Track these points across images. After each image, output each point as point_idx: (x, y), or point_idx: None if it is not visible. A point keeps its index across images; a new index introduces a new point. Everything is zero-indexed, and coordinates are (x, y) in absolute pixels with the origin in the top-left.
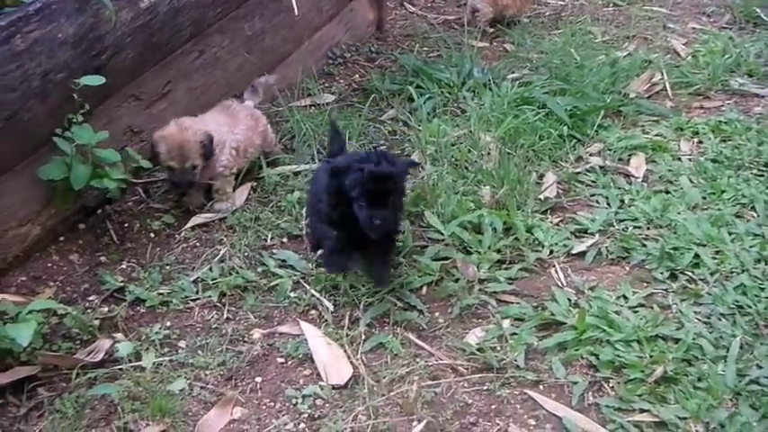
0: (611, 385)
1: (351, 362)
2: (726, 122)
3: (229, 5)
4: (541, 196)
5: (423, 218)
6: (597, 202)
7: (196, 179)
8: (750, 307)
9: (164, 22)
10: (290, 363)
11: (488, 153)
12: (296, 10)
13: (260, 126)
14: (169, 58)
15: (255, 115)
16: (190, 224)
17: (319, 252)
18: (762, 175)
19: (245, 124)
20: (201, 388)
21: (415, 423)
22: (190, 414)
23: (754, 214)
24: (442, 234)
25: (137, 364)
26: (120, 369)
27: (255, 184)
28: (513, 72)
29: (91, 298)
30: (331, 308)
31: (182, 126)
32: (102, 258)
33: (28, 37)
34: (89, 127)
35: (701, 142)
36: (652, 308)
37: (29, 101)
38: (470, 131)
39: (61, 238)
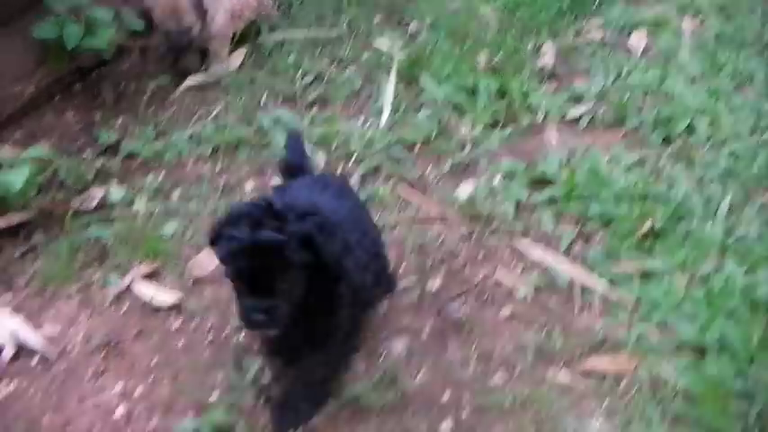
0: (599, 238)
1: None
2: (731, 2)
3: None
4: (538, 64)
5: (418, 81)
6: (595, 72)
7: (193, 39)
8: (742, 172)
9: None
10: None
11: (487, 23)
12: None
13: None
14: None
15: None
16: (185, 85)
17: None
18: (763, 54)
19: None
20: (193, 233)
21: (403, 264)
22: (181, 256)
23: (753, 89)
24: (436, 96)
25: (129, 210)
26: (113, 215)
27: (252, 48)
28: None
29: (85, 153)
30: (323, 161)
31: None
32: (97, 117)
33: None
34: None
35: (703, 21)
36: (644, 169)
37: None
38: (470, 4)
39: (56, 98)
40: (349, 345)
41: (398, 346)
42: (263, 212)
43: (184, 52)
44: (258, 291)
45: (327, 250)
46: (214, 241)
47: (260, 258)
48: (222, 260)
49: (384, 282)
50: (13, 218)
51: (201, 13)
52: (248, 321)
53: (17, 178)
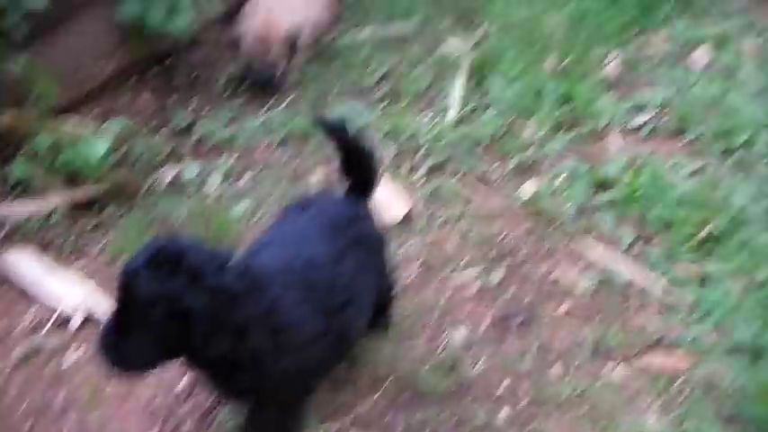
0: (658, 240)
1: (408, 200)
2: None
3: None
4: (603, 72)
5: (485, 81)
6: (658, 83)
7: (275, 76)
8: None
9: None
10: None
11: (555, 30)
12: None
13: None
14: None
15: None
16: None
17: None
18: None
19: None
20: (262, 215)
21: (466, 258)
22: (249, 236)
23: None
24: (503, 97)
25: (201, 190)
26: (185, 193)
27: (324, 43)
28: None
29: (159, 133)
30: (393, 153)
31: (270, 17)
32: (171, 100)
33: None
34: None
35: (766, 41)
36: (704, 177)
37: None
38: (538, 12)
39: (133, 79)
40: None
41: (459, 334)
42: (170, 260)
43: (264, 85)
44: (113, 321)
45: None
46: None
47: (122, 286)
48: None
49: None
50: (88, 190)
51: (293, 50)
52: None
53: (98, 148)
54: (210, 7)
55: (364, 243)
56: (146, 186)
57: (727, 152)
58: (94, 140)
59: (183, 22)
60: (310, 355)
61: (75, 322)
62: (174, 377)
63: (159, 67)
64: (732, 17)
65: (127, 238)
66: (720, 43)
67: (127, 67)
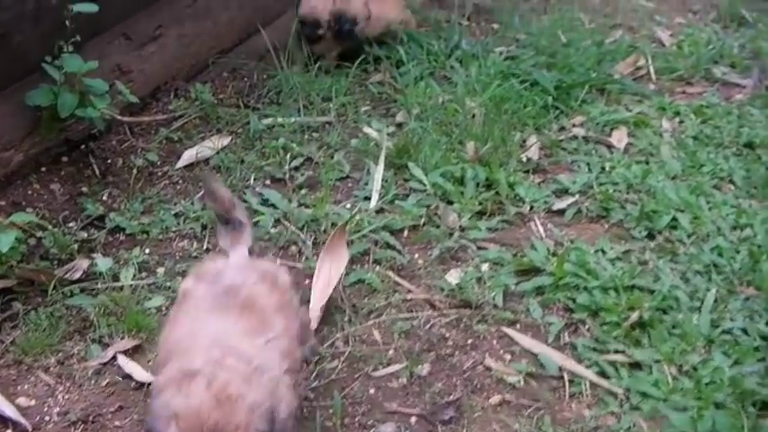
0: (587, 327)
1: (330, 293)
2: (707, 106)
3: None
4: (524, 157)
5: (406, 168)
6: (578, 166)
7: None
8: (725, 266)
9: None
10: None
11: (473, 117)
12: None
13: None
14: (162, 2)
15: None
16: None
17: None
18: (740, 154)
19: None
20: None
21: (392, 349)
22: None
23: (732, 187)
24: (424, 184)
25: (114, 284)
26: (98, 286)
27: (241, 131)
28: (500, 47)
29: (70, 224)
30: (310, 244)
31: None
32: (84, 189)
33: None
34: (78, 57)
35: (682, 122)
36: (630, 261)
37: (21, 23)
38: (456, 97)
39: (43, 168)
40: None
41: (387, 430)
42: None
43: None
44: None
45: None
46: None
47: None
48: None
49: None
50: None
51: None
52: None
53: (4, 240)
54: (129, 95)
55: None
56: (57, 279)
57: (651, 235)
58: (2, 232)
59: (98, 111)
60: None
61: None
62: None
63: (71, 155)
64: (646, 100)
65: (35, 335)
66: (637, 125)
67: (37, 154)
